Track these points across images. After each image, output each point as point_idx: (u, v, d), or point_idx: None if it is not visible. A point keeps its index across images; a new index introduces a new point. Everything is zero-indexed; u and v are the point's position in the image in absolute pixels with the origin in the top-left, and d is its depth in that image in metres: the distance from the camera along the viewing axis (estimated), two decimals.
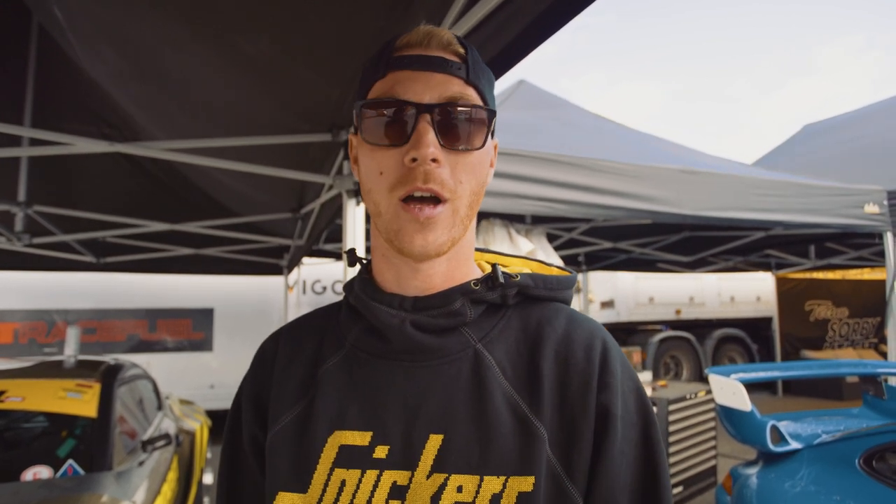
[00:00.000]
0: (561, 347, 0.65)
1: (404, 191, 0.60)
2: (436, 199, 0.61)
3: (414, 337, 0.64)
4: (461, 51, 0.64)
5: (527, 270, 0.72)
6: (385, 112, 0.62)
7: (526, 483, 0.59)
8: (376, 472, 0.61)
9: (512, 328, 0.68)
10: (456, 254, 0.67)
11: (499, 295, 0.68)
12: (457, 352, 0.65)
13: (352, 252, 0.76)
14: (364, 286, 0.69)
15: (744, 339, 9.75)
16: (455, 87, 0.62)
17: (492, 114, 0.65)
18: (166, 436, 2.99)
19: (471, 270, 0.70)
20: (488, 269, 0.73)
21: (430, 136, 0.60)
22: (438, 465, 0.60)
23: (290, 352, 0.72)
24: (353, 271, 0.76)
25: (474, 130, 0.63)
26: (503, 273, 0.69)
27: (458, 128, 0.62)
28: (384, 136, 0.62)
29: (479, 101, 0.64)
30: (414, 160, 0.60)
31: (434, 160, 0.60)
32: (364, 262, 0.75)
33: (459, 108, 0.62)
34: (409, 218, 0.61)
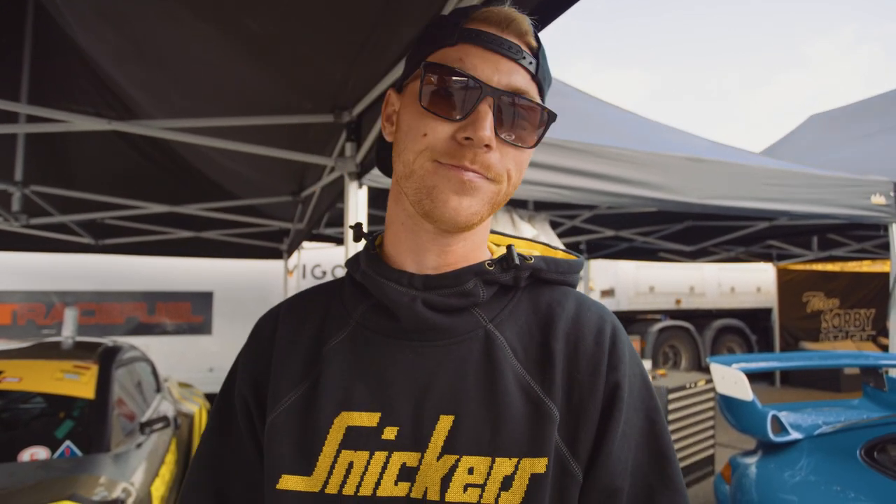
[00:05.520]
0: (571, 329, 0.65)
1: (447, 162, 0.58)
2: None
3: (424, 316, 0.62)
4: (534, 44, 0.62)
5: (536, 253, 0.71)
6: (449, 81, 0.58)
7: (539, 465, 0.58)
8: (385, 453, 0.59)
9: (522, 309, 0.67)
10: (476, 235, 0.67)
11: (511, 277, 0.66)
12: (467, 332, 0.64)
13: (358, 227, 0.74)
14: (371, 262, 0.67)
15: (743, 329, 9.77)
16: (522, 80, 0.60)
17: (552, 117, 0.62)
18: (164, 418, 2.98)
19: (483, 253, 0.70)
20: (498, 250, 0.72)
21: (490, 121, 0.57)
22: (449, 447, 0.59)
23: (291, 330, 0.69)
24: (358, 247, 0.74)
25: (530, 128, 0.61)
26: (518, 255, 0.67)
27: (517, 121, 0.60)
28: (441, 104, 0.59)
29: (540, 101, 0.62)
30: (468, 139, 0.57)
31: (487, 145, 0.58)
32: (370, 237, 0.73)
33: (523, 102, 0.60)
34: (448, 175, 0.58)
